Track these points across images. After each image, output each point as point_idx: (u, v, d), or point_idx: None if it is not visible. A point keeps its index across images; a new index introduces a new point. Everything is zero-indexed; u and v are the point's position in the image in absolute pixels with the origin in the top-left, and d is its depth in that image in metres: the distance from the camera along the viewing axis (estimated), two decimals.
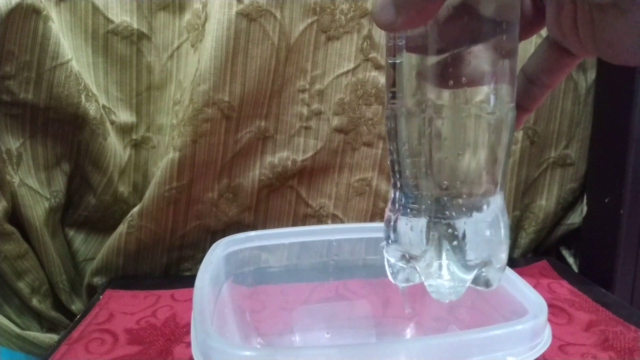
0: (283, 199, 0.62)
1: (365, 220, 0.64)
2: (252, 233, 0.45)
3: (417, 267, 0.25)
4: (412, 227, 0.24)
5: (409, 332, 0.47)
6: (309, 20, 0.56)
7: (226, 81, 0.53)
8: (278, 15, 0.54)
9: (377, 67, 0.59)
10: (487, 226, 0.24)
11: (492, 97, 0.23)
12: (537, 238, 0.66)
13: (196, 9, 0.57)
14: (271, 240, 0.45)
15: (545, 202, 0.65)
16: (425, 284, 0.25)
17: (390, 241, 0.26)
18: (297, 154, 0.60)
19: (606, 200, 0.58)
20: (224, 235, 0.45)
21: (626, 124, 0.54)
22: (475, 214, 0.24)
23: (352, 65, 0.58)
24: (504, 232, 0.24)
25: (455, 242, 0.24)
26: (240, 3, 0.52)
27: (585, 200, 0.63)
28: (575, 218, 0.66)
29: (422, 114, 0.23)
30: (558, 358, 0.41)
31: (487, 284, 0.25)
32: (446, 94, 0.22)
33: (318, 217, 0.63)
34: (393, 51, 0.24)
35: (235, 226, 0.62)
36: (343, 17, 0.57)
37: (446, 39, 0.22)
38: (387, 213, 0.26)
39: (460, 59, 0.22)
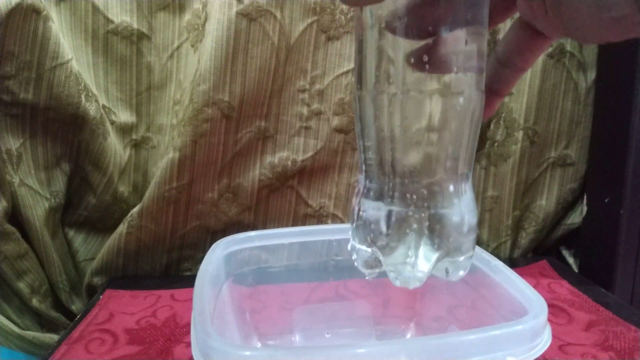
0: (283, 199, 0.62)
1: None
2: (252, 233, 0.45)
3: (380, 253, 0.24)
4: (376, 212, 0.24)
5: (409, 332, 0.47)
6: (309, 20, 0.56)
7: (226, 81, 0.53)
8: (278, 15, 0.54)
9: None
10: (452, 214, 0.23)
11: (457, 82, 0.22)
12: (537, 238, 0.66)
13: (196, 9, 0.57)
14: (271, 240, 0.45)
15: (545, 202, 0.65)
16: (387, 270, 0.24)
17: (355, 225, 0.25)
18: (297, 154, 0.60)
19: (606, 200, 0.58)
20: (224, 235, 0.45)
21: (626, 124, 0.54)
22: (439, 200, 0.23)
23: (352, 65, 0.58)
24: (469, 221, 0.24)
25: (418, 228, 0.23)
26: (240, 3, 0.52)
27: (585, 200, 0.63)
28: (575, 218, 0.66)
29: (385, 94, 0.22)
30: (558, 358, 0.41)
31: (449, 274, 0.24)
32: (411, 75, 0.22)
33: (318, 217, 0.63)
34: (360, 30, 0.23)
35: (235, 226, 0.62)
36: (343, 17, 0.57)
37: (413, 20, 0.21)
38: (354, 197, 0.26)
39: (428, 44, 0.21)
